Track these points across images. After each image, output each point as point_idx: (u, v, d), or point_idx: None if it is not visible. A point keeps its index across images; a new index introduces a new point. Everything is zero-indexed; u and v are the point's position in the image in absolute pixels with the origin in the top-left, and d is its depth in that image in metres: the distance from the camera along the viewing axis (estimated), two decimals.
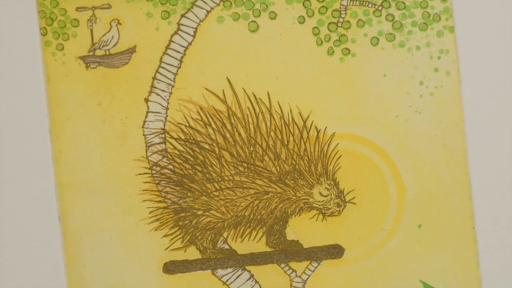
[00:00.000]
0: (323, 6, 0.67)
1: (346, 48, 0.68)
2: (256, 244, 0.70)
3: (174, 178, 0.68)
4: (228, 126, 0.68)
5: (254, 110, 0.68)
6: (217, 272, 0.70)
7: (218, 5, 0.67)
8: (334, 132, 0.68)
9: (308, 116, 0.68)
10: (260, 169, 0.67)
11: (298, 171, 0.67)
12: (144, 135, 0.68)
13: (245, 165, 0.67)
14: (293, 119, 0.68)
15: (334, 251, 0.69)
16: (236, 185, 0.67)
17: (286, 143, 0.68)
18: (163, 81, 0.68)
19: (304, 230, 0.70)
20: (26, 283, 0.67)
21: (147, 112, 0.68)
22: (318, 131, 0.68)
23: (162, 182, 0.68)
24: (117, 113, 0.68)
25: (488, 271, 0.68)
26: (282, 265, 0.70)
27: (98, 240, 0.69)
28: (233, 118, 0.68)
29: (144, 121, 0.68)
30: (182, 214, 0.69)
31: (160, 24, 0.68)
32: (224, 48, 0.68)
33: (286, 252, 0.69)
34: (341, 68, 0.68)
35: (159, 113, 0.68)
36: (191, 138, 0.68)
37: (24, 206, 0.68)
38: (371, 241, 0.69)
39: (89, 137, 0.68)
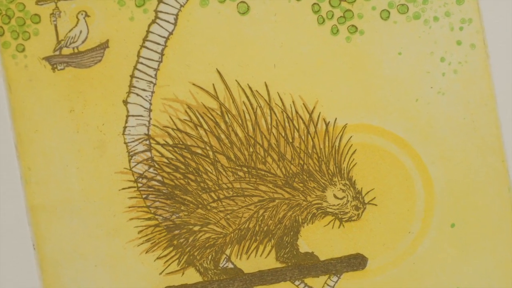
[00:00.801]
0: None
1: (353, 25, 0.66)
2: (264, 260, 0.68)
3: (164, 191, 0.67)
4: (222, 126, 0.66)
5: (251, 104, 0.66)
6: None
7: None
8: (346, 124, 0.67)
9: (314, 108, 0.67)
10: (263, 172, 0.66)
11: (307, 172, 0.66)
12: (125, 143, 0.67)
13: (245, 169, 0.66)
14: (297, 112, 0.66)
15: (356, 262, 0.68)
16: (237, 193, 0.66)
17: (291, 140, 0.66)
18: (143, 79, 0.66)
19: (319, 240, 0.68)
20: None
21: (127, 116, 0.67)
22: (327, 124, 0.67)
23: (151, 196, 0.67)
24: (93, 119, 0.67)
25: None
26: (297, 283, 0.69)
27: (81, 269, 0.67)
28: (228, 116, 0.66)
29: (125, 127, 0.67)
30: (177, 232, 0.68)
31: (134, 13, 0.66)
32: (211, 35, 0.66)
33: (300, 267, 0.68)
34: (348, 48, 0.66)
35: (141, 116, 0.67)
36: (180, 142, 0.67)
37: None
38: (397, 247, 0.68)
39: (62, 150, 0.67)
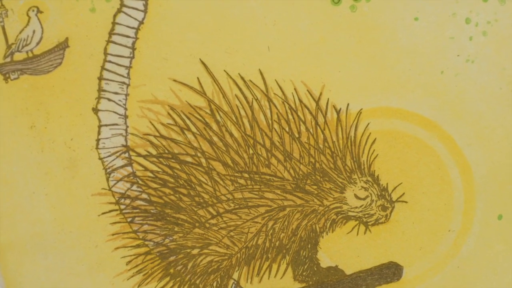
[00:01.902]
0: None
1: None
2: (279, 281, 0.68)
3: (152, 211, 0.67)
4: (214, 127, 0.65)
5: (246, 98, 0.65)
6: None
7: None
8: (361, 109, 0.65)
9: (321, 93, 0.65)
10: (268, 177, 0.65)
11: (321, 171, 0.65)
12: (100, 158, 0.66)
13: (246, 175, 0.65)
14: (301, 101, 0.65)
15: (389, 272, 0.67)
16: (239, 205, 0.65)
17: (297, 135, 0.65)
18: (113, 81, 0.66)
19: (342, 250, 0.68)
20: None
21: (100, 126, 0.66)
22: (338, 112, 0.65)
23: (137, 218, 0.67)
24: (59, 135, 0.66)
25: None
26: None
27: None
28: (219, 114, 0.65)
29: (98, 140, 0.66)
30: (172, 258, 0.67)
31: (95, 3, 0.65)
32: (190, 20, 0.64)
33: (324, 285, 0.68)
34: (354, 19, 0.64)
35: (116, 124, 0.66)
36: (166, 151, 0.65)
37: None
38: (437, 250, 0.67)
39: (26, 174, 0.66)
